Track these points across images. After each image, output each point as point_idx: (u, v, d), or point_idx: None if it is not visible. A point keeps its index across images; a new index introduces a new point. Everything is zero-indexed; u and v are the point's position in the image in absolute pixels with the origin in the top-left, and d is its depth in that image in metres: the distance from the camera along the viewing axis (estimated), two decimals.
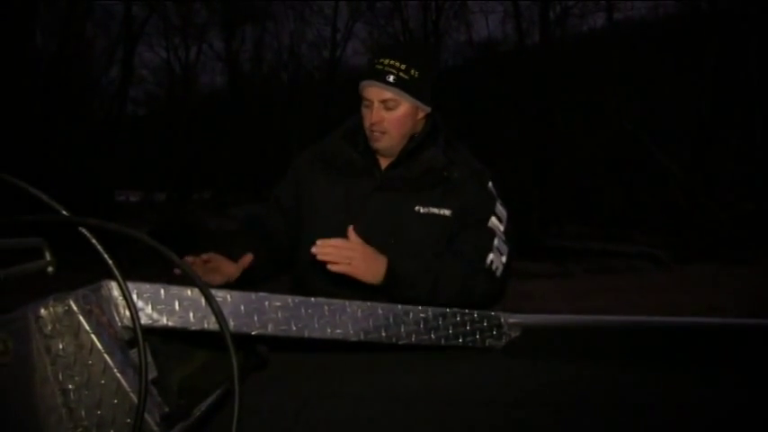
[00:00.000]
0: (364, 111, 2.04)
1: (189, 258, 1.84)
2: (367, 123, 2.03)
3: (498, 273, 1.98)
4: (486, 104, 19.30)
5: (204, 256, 1.88)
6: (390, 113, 2.01)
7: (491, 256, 1.97)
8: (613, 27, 20.84)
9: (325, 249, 1.79)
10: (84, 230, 1.06)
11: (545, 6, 20.54)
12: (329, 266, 1.79)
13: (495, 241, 1.99)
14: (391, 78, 1.98)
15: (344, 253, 1.81)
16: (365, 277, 1.82)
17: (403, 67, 1.99)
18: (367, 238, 1.95)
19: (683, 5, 19.55)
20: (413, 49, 2.24)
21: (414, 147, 2.05)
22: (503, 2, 22.28)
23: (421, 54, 2.15)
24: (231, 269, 1.92)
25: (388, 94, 1.99)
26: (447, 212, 2.00)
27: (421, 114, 2.07)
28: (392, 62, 1.99)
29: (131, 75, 21.83)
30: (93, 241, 1.07)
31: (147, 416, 1.05)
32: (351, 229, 1.86)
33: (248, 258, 1.94)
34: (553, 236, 16.57)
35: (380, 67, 1.99)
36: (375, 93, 2.00)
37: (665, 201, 16.55)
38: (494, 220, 2.02)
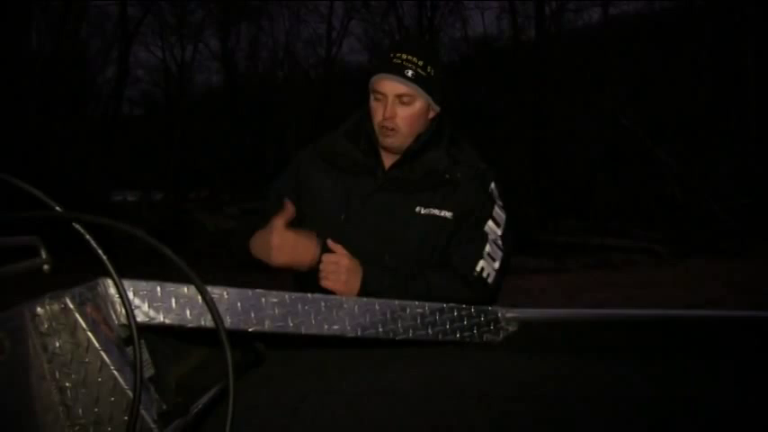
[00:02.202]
0: (375, 105, 2.00)
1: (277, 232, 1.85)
2: (378, 118, 1.98)
3: (490, 279, 1.94)
4: (482, 100, 19.29)
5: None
6: (404, 109, 1.97)
7: (481, 263, 1.94)
8: (609, 22, 20.84)
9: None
10: (78, 227, 1.06)
11: (541, 2, 20.54)
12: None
13: (488, 247, 1.96)
14: (410, 73, 1.94)
15: (328, 267, 1.84)
16: (341, 291, 1.82)
17: (420, 63, 1.95)
18: (365, 238, 1.95)
19: (678, 0, 19.56)
20: (428, 45, 2.18)
21: (418, 148, 2.01)
22: None
23: (435, 52, 2.13)
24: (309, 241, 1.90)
25: (405, 88, 1.95)
26: (448, 215, 1.97)
27: (431, 114, 2.04)
28: (410, 57, 1.95)
29: (127, 74, 21.82)
30: (88, 237, 1.06)
31: (143, 413, 1.06)
32: (331, 242, 1.88)
33: (289, 206, 1.90)
34: (550, 231, 16.56)
35: (398, 61, 1.95)
36: (391, 87, 1.95)
37: (663, 195, 16.56)
38: (490, 223, 1.99)
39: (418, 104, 1.98)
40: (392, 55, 1.97)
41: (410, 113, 1.97)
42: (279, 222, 1.86)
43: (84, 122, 19.14)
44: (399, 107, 1.96)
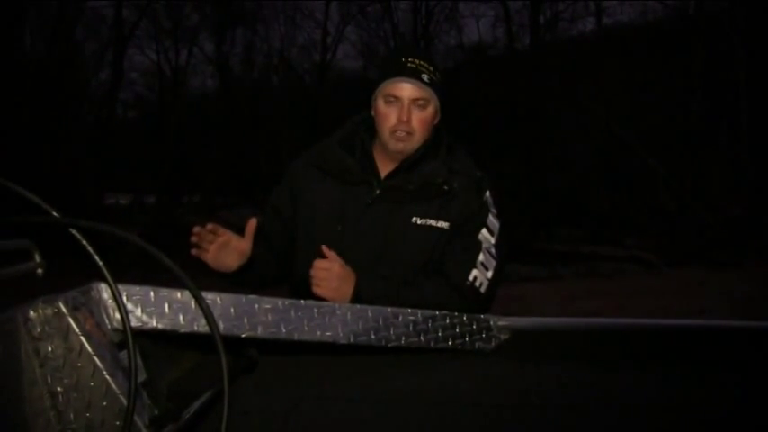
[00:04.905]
0: (387, 110, 1.97)
1: (196, 229, 1.85)
2: (392, 123, 1.96)
3: (483, 288, 1.94)
4: (476, 108, 19.32)
5: (209, 226, 1.87)
6: (420, 113, 1.96)
7: (474, 272, 1.93)
8: (603, 31, 20.93)
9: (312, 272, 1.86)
10: (74, 232, 1.06)
11: (535, 10, 20.61)
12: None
13: (481, 256, 1.95)
14: (425, 77, 1.94)
15: (320, 274, 1.84)
16: (333, 298, 1.82)
17: (431, 68, 1.97)
18: (361, 249, 1.95)
19: (670, 10, 19.67)
20: (430, 53, 2.21)
21: (417, 157, 2.00)
22: (493, 5, 22.27)
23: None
24: (242, 244, 1.91)
25: (422, 92, 1.95)
26: (445, 225, 1.96)
27: (435, 121, 2.03)
28: (423, 62, 1.96)
29: (121, 77, 21.72)
30: (84, 243, 1.06)
31: (136, 418, 1.05)
32: (325, 248, 1.88)
33: (252, 222, 1.92)
34: (543, 239, 16.59)
35: (413, 65, 1.95)
36: (409, 91, 1.94)
37: (655, 204, 16.63)
38: (484, 232, 1.98)
39: (431, 109, 1.99)
40: (404, 60, 1.97)
41: (425, 117, 1.97)
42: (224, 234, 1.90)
43: (77, 125, 19.08)
44: (415, 111, 1.96)
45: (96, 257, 1.06)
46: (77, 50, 20.42)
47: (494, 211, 2.02)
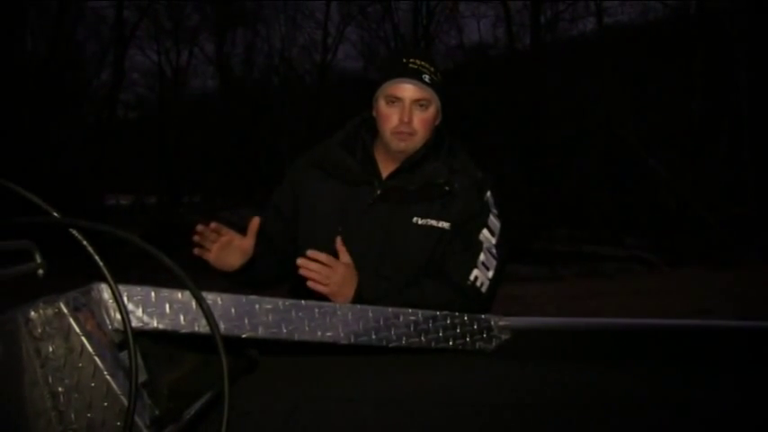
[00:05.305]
0: (389, 110, 1.97)
1: (199, 228, 1.86)
2: (393, 123, 1.97)
3: (484, 288, 1.95)
4: (476, 108, 19.30)
5: (213, 225, 1.88)
6: (421, 113, 1.97)
7: (475, 272, 1.94)
8: (603, 31, 20.92)
9: (311, 265, 1.83)
10: (74, 232, 1.06)
11: (536, 10, 20.60)
12: (308, 283, 1.83)
13: (482, 256, 1.96)
14: (427, 78, 1.95)
15: (325, 272, 1.83)
16: (335, 299, 1.82)
17: (432, 69, 1.98)
18: (363, 249, 1.95)
19: (671, 10, 19.65)
20: (431, 54, 2.22)
21: (418, 157, 2.00)
22: (494, 5, 22.25)
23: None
24: (245, 242, 1.92)
25: (423, 93, 1.95)
26: (446, 225, 1.97)
27: (437, 122, 2.04)
28: (424, 63, 1.97)
29: (122, 78, 21.72)
30: (85, 243, 1.07)
31: (137, 419, 1.05)
32: (339, 242, 1.89)
33: (255, 221, 1.92)
34: (543, 239, 16.58)
35: (414, 66, 1.96)
36: (411, 91, 1.95)
37: (656, 204, 16.62)
38: (485, 232, 1.99)
39: (432, 109, 1.99)
40: (406, 60, 1.98)
41: (426, 117, 1.98)
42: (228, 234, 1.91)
43: (78, 125, 19.09)
44: (416, 111, 1.97)
45: (97, 258, 1.06)
46: (78, 51, 20.44)
47: (495, 211, 2.03)
